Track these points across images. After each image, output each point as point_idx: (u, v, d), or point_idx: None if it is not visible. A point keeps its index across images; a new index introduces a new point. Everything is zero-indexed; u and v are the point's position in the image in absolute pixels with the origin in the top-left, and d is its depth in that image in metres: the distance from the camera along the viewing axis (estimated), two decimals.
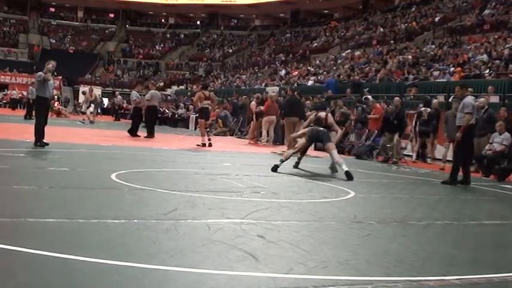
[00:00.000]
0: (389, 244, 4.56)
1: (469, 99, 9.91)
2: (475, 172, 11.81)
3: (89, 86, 30.64)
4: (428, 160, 14.89)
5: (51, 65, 11.31)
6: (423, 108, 14.81)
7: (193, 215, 5.19)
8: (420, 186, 9.70)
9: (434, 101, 15.74)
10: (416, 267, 3.83)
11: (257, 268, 3.52)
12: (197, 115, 18.96)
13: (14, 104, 37.90)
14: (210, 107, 15.61)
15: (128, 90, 46.64)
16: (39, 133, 11.11)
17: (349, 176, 9.25)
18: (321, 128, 10.13)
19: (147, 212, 5.10)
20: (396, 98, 15.44)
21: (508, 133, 11.91)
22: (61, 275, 3.09)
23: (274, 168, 9.72)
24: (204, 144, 14.65)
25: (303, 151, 10.66)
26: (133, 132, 17.59)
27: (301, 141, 10.77)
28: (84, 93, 28.02)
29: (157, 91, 18.91)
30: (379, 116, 15.69)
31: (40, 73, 11.46)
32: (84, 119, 24.93)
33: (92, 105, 26.23)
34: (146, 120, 18.02)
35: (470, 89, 15.81)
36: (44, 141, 11.08)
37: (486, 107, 12.93)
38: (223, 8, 56.40)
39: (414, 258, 4.10)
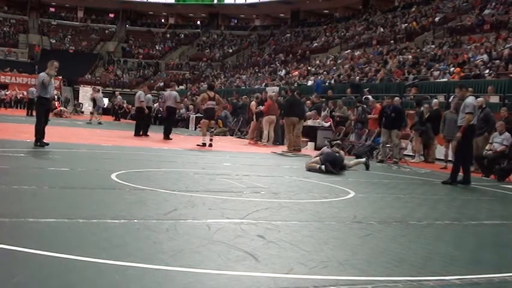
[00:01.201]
0: (390, 244, 4.55)
1: (470, 99, 9.92)
2: (475, 172, 11.80)
3: (94, 87, 30.76)
4: (422, 157, 14.89)
5: (54, 66, 11.30)
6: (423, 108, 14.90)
7: (193, 215, 5.19)
8: (420, 186, 9.69)
9: (435, 100, 15.74)
10: (417, 267, 3.83)
11: (257, 268, 3.51)
12: (198, 115, 18.95)
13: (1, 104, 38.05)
14: (215, 108, 15.45)
15: (127, 90, 46.73)
16: (39, 133, 11.11)
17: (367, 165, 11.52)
18: (337, 154, 10.82)
19: (147, 212, 5.09)
20: (396, 98, 15.38)
21: (508, 133, 11.90)
22: (61, 275, 3.09)
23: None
24: (204, 144, 14.63)
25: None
26: (136, 132, 17.66)
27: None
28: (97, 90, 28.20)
29: (172, 91, 18.68)
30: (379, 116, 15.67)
31: (43, 74, 11.41)
32: (99, 120, 24.98)
33: (98, 105, 26.36)
34: (164, 121, 18.11)
35: (470, 89, 15.88)
36: (44, 141, 11.09)
37: (484, 106, 12.92)
38: (223, 8, 56.45)
39: (414, 258, 4.09)
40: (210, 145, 14.62)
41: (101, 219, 4.60)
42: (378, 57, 28.61)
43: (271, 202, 6.29)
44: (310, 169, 10.42)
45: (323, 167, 10.24)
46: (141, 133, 17.61)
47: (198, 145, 14.69)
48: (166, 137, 17.11)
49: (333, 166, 10.34)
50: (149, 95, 19.59)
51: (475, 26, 26.43)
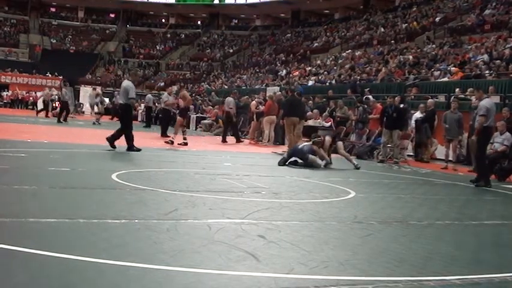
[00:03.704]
0: (390, 244, 4.55)
1: (484, 101, 10.08)
2: (474, 172, 11.78)
3: (94, 87, 30.71)
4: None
5: (138, 76, 11.78)
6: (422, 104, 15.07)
7: (194, 215, 5.19)
8: (421, 186, 9.69)
9: (429, 100, 15.74)
10: (417, 267, 3.83)
11: (258, 268, 3.51)
12: (198, 114, 19.25)
13: None
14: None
15: None
16: (130, 139, 11.60)
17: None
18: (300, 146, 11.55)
19: (147, 212, 5.09)
20: (396, 98, 15.34)
21: (509, 133, 11.89)
22: (61, 275, 3.09)
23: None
24: (172, 142, 14.73)
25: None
26: (164, 133, 17.87)
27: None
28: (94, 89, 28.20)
29: (229, 97, 19.09)
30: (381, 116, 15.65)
31: (130, 83, 12.07)
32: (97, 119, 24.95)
33: (100, 105, 26.34)
34: (225, 126, 18.77)
35: (470, 89, 15.89)
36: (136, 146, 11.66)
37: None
38: (223, 8, 56.46)
39: (415, 258, 4.09)
40: (186, 143, 14.73)
41: (102, 219, 4.60)
42: (379, 57, 28.60)
43: (272, 202, 6.29)
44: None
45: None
46: (226, 140, 18.00)
47: (166, 142, 14.86)
48: (238, 139, 18.02)
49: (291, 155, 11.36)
50: (150, 95, 19.64)
51: (475, 26, 26.41)
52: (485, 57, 19.96)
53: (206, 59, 50.87)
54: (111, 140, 11.50)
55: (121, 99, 12.11)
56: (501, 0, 27.61)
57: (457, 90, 17.07)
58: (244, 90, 30.25)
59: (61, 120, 22.51)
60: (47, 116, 27.60)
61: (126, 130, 11.68)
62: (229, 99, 18.80)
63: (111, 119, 31.95)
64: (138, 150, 11.61)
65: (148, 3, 58.08)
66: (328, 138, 11.84)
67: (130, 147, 11.60)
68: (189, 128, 26.82)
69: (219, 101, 29.33)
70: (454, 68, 19.86)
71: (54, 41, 54.43)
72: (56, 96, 30.25)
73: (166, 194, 6.29)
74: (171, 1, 56.61)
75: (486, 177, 10.06)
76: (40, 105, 37.01)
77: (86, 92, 37.38)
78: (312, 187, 8.28)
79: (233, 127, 18.94)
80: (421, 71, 21.99)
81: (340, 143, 12.10)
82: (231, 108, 18.43)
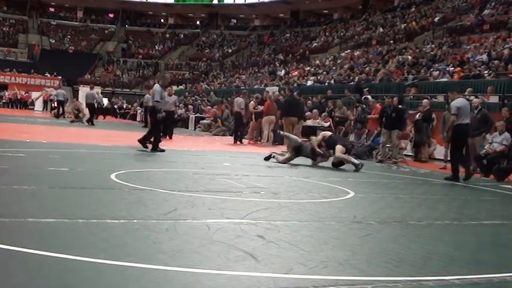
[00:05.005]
0: (389, 244, 4.55)
1: (454, 101, 10.48)
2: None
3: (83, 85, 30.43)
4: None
5: (166, 79, 12.22)
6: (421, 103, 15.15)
7: (193, 215, 5.18)
8: (420, 186, 9.69)
9: (425, 101, 15.73)
10: (416, 267, 3.83)
11: (257, 268, 3.51)
12: (197, 115, 19.13)
13: None
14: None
15: (127, 90, 46.70)
16: (146, 140, 12.07)
17: None
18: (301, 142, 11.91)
19: (146, 212, 5.09)
20: (394, 98, 15.30)
21: (508, 133, 11.89)
22: (60, 275, 3.09)
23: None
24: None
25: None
26: (167, 135, 17.93)
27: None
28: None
29: (238, 98, 19.05)
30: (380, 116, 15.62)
31: (158, 86, 12.41)
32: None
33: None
34: (235, 126, 18.66)
35: (469, 89, 15.90)
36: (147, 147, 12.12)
37: (480, 107, 12.88)
38: (222, 8, 56.47)
39: (414, 258, 4.09)
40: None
41: (101, 219, 4.60)
42: (378, 57, 28.62)
43: (271, 202, 6.29)
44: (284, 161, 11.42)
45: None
46: (238, 141, 18.02)
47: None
48: (239, 140, 17.83)
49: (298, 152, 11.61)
50: (148, 95, 19.61)
51: (474, 26, 26.43)
52: (484, 57, 19.97)
53: (205, 59, 50.89)
54: (143, 141, 12.13)
55: (150, 101, 12.43)
56: (500, 0, 27.64)
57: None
58: (242, 90, 30.27)
59: (93, 122, 22.60)
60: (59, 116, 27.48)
61: (153, 131, 12.26)
62: (240, 99, 18.68)
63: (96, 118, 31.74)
64: (145, 148, 12.00)
65: (147, 3, 58.10)
66: (323, 134, 12.09)
67: (154, 147, 12.00)
68: (187, 128, 26.94)
69: (217, 101, 29.35)
70: (454, 68, 19.84)
71: (53, 41, 54.44)
72: (55, 97, 30.19)
73: (165, 194, 6.29)
74: (170, 1, 56.65)
75: (456, 174, 10.39)
76: (38, 105, 36.99)
77: (84, 92, 37.29)
78: (311, 187, 8.27)
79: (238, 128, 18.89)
80: (420, 71, 22.00)
81: (339, 147, 11.45)
82: (242, 109, 18.40)
